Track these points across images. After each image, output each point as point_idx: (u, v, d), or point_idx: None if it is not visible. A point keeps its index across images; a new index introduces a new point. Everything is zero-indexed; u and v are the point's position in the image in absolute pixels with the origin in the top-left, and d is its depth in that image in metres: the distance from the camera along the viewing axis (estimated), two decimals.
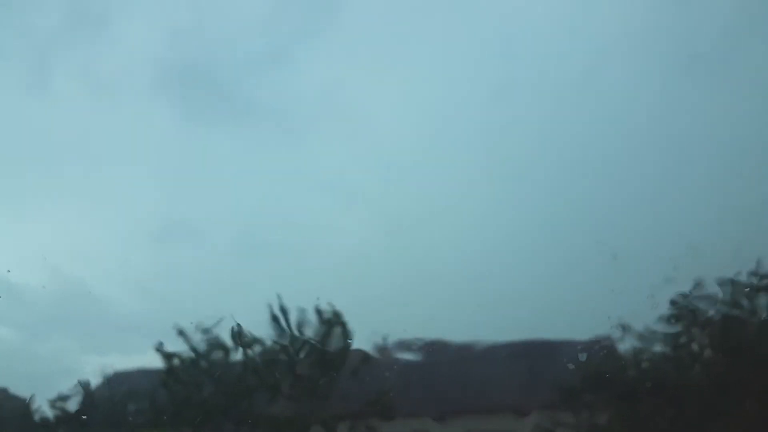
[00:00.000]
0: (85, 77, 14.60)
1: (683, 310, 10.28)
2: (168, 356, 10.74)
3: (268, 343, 10.86)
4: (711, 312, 10.30)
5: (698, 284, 10.22)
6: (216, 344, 10.76)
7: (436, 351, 11.07)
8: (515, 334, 10.62)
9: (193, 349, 10.73)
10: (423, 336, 10.37)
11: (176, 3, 14.33)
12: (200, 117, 14.24)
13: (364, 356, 10.63)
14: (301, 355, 10.84)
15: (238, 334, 10.69)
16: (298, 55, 14.08)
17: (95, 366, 11.59)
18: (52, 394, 10.91)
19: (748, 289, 9.90)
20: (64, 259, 12.46)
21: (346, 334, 10.79)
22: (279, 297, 10.68)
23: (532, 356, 11.25)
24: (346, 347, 10.78)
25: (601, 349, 9.38)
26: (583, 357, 8.82)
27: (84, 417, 10.68)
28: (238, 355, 10.83)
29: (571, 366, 9.07)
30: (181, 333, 10.67)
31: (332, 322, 10.79)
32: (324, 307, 10.77)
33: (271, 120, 14.36)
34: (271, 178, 12.92)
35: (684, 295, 10.27)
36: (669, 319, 10.26)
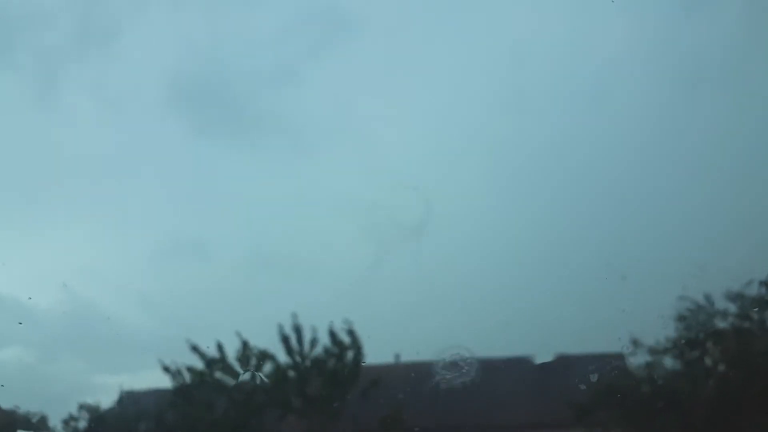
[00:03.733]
0: (94, 92, 14.65)
1: (694, 324, 10.27)
2: (176, 374, 10.78)
3: (279, 360, 10.90)
4: (722, 325, 10.29)
5: (708, 299, 10.22)
6: (226, 362, 10.79)
7: (448, 367, 11.05)
8: (527, 350, 10.61)
9: (205, 367, 10.77)
10: (435, 352, 10.35)
11: (188, 18, 14.38)
12: (211, 133, 14.26)
13: (376, 374, 10.62)
14: (313, 372, 10.86)
15: (247, 352, 10.71)
16: (311, 71, 14.09)
17: (107, 386, 11.61)
18: (64, 415, 10.93)
19: (757, 306, 9.89)
20: (75, 278, 12.49)
21: (358, 352, 10.80)
22: (292, 315, 10.74)
23: (545, 372, 11.21)
24: (358, 365, 10.78)
25: (613, 368, 9.36)
26: (594, 377, 8.81)
27: None
28: (248, 373, 10.85)
29: (582, 387, 9.05)
30: (195, 349, 10.73)
31: (344, 340, 10.81)
32: (336, 324, 10.82)
33: (283, 136, 14.38)
34: (283, 195, 12.93)
35: (694, 310, 10.26)
36: (680, 335, 10.26)
